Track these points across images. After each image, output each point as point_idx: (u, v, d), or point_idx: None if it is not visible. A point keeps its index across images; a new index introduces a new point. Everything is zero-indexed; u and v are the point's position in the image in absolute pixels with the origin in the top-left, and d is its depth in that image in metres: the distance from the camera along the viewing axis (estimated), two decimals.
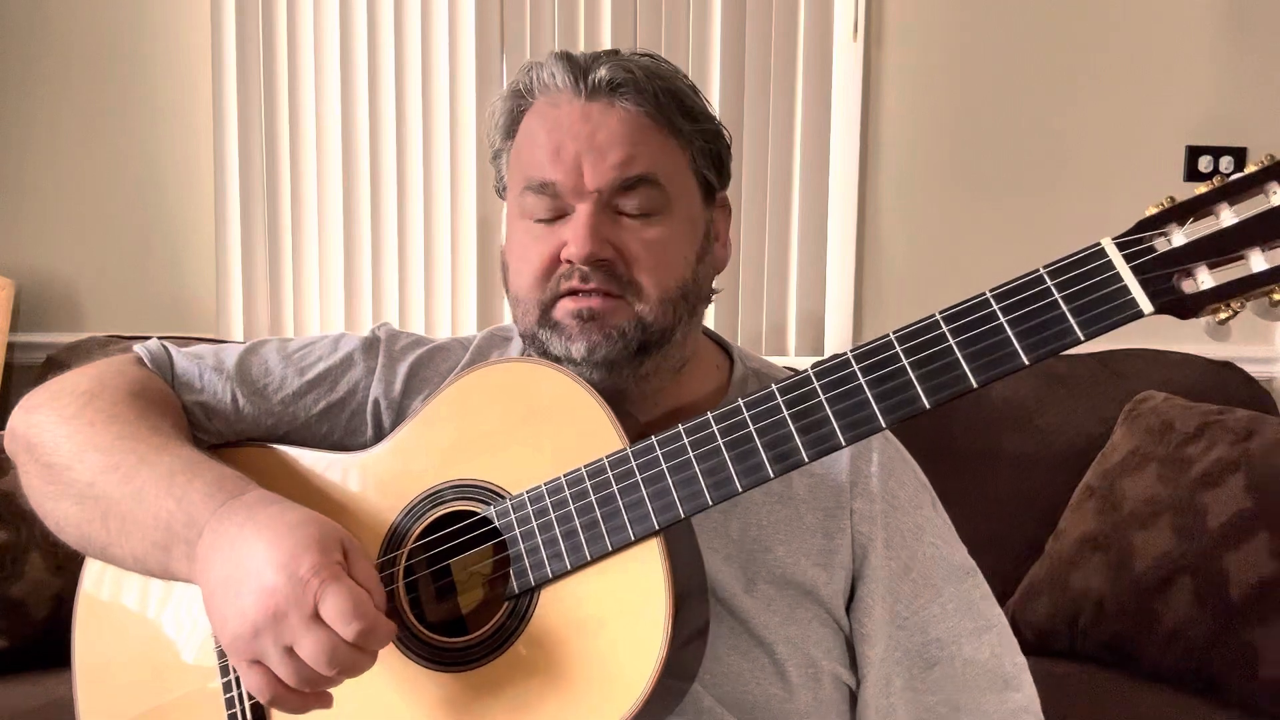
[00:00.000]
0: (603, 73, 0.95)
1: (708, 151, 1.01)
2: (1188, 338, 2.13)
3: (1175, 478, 1.79)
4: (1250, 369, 2.13)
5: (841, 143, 2.31)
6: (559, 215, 0.96)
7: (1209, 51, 2.29)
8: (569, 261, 0.94)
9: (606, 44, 2.26)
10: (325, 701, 0.82)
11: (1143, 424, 1.91)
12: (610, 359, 0.94)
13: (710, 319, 2.29)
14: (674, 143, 0.98)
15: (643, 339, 0.95)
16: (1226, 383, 2.06)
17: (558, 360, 0.95)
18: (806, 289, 2.34)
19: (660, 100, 0.96)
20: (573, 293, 0.94)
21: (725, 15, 2.28)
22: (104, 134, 2.32)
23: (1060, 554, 1.86)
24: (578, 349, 0.94)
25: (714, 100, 2.26)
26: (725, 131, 1.04)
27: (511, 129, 1.02)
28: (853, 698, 1.01)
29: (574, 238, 0.93)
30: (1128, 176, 2.30)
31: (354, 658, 0.78)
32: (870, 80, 2.30)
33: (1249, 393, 2.06)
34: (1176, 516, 1.75)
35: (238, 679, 0.97)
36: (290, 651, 0.78)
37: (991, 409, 2.05)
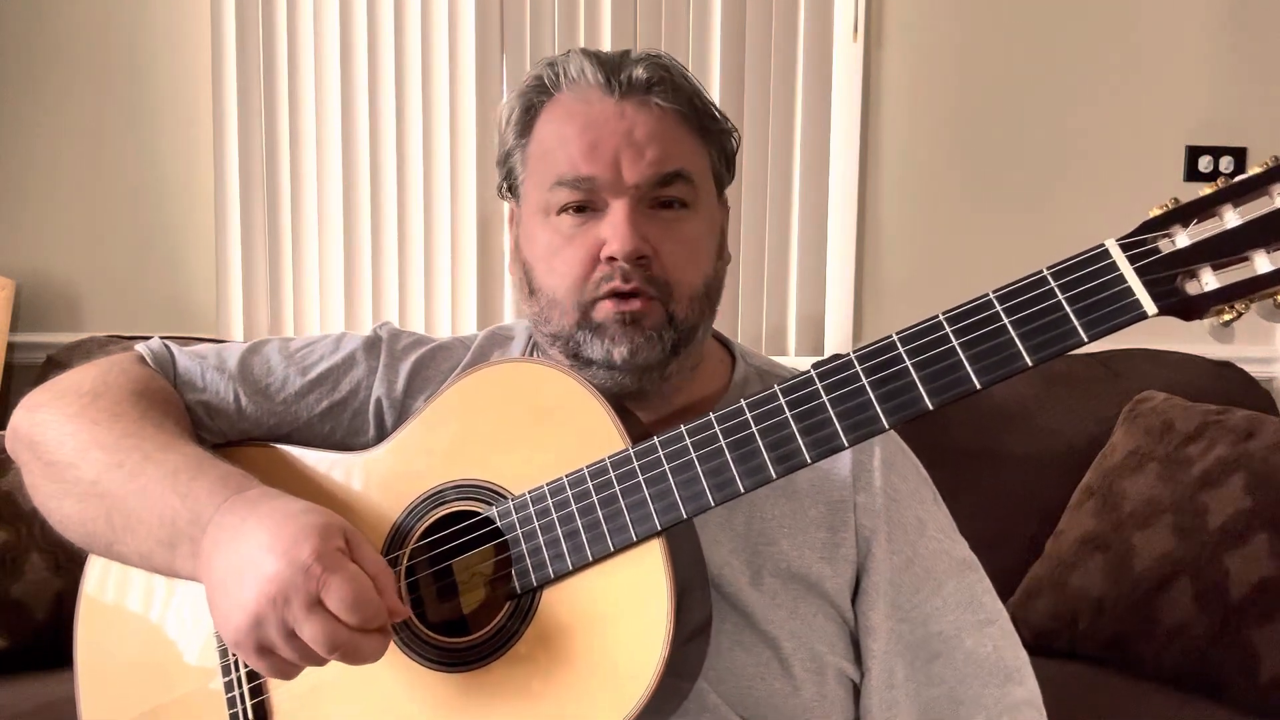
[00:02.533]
0: (639, 72, 0.96)
1: (723, 154, 1.03)
2: (1188, 338, 2.12)
3: (1175, 478, 1.79)
4: (1250, 369, 2.13)
5: (841, 143, 2.31)
6: (589, 210, 0.96)
7: (1209, 51, 2.29)
8: (610, 259, 0.94)
9: (606, 44, 2.26)
10: None
11: (1143, 424, 1.91)
12: (648, 362, 0.95)
13: None
14: (700, 143, 0.99)
15: (675, 338, 0.95)
16: (1226, 383, 2.06)
17: (593, 363, 0.95)
18: (806, 290, 2.34)
19: (694, 101, 0.98)
20: (613, 295, 0.94)
21: (725, 15, 2.28)
22: (104, 134, 2.32)
23: (1060, 554, 1.86)
24: (620, 352, 0.94)
25: (714, 100, 2.26)
26: (736, 133, 1.05)
27: (528, 126, 1.01)
28: (857, 692, 1.01)
29: (615, 234, 0.93)
30: (1128, 176, 2.30)
31: (356, 641, 0.79)
32: (870, 80, 2.30)
33: (1249, 393, 2.05)
34: (1176, 516, 1.75)
35: (239, 678, 0.97)
36: (294, 635, 0.79)
37: (992, 409, 2.05)
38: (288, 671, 0.82)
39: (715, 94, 2.27)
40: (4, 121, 2.31)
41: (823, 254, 2.34)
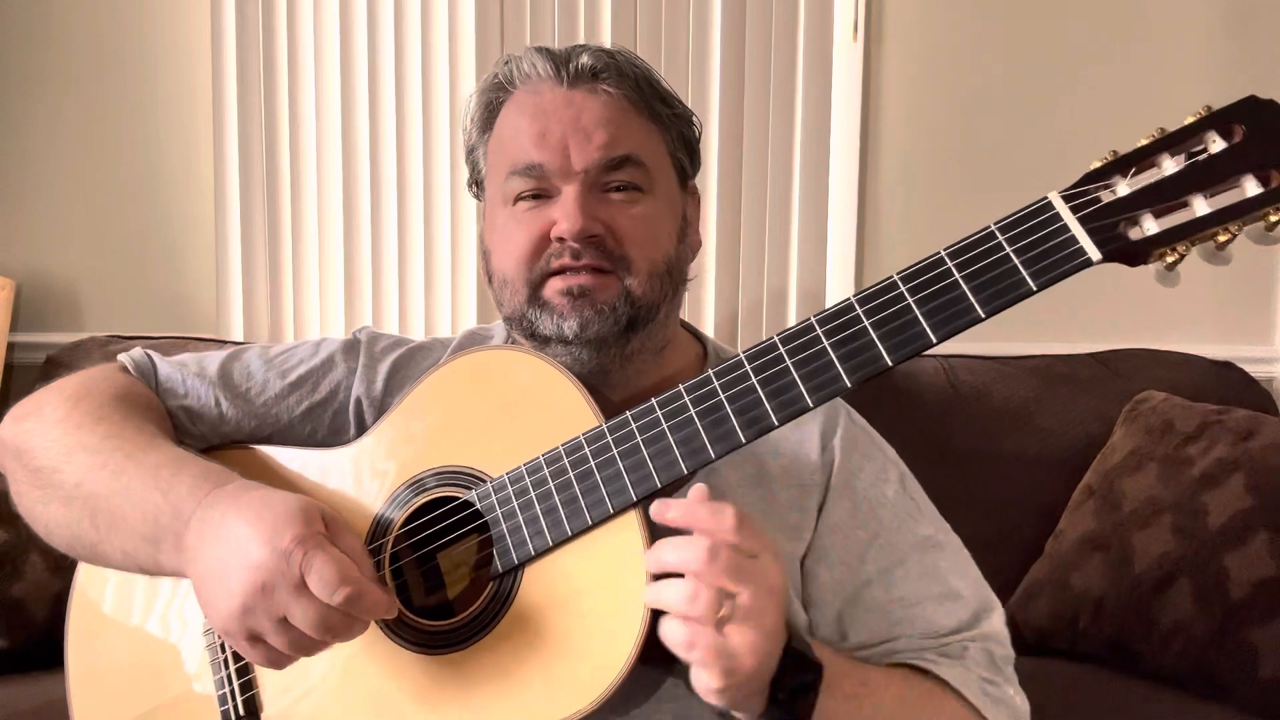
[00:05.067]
0: (584, 60, 0.99)
1: (682, 137, 1.05)
2: (1188, 337, 2.13)
3: (1175, 478, 1.78)
4: (1250, 369, 2.12)
5: (841, 143, 2.31)
6: (544, 198, 0.97)
7: (1209, 51, 2.29)
8: (559, 240, 0.95)
9: (607, 44, 2.25)
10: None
11: (1143, 424, 1.91)
12: (601, 336, 0.96)
13: (709, 320, 2.28)
14: (653, 126, 1.02)
15: (631, 314, 0.97)
16: (1226, 383, 2.04)
17: (548, 339, 0.97)
18: (806, 290, 2.34)
19: (640, 85, 1.00)
20: (561, 271, 0.96)
21: (725, 15, 2.28)
22: (104, 134, 2.32)
23: (1060, 554, 1.85)
24: (570, 326, 0.96)
25: (714, 100, 2.26)
26: (696, 119, 1.07)
27: (489, 122, 1.04)
28: None
29: (564, 215, 0.95)
30: None
31: (345, 623, 0.79)
32: (870, 80, 2.30)
33: (1249, 393, 2.04)
34: (1176, 516, 1.74)
35: (229, 675, 0.98)
36: (285, 622, 0.79)
37: (991, 409, 2.04)
38: (279, 660, 0.83)
39: (715, 94, 2.27)
40: (4, 121, 2.32)
41: (823, 254, 2.34)
